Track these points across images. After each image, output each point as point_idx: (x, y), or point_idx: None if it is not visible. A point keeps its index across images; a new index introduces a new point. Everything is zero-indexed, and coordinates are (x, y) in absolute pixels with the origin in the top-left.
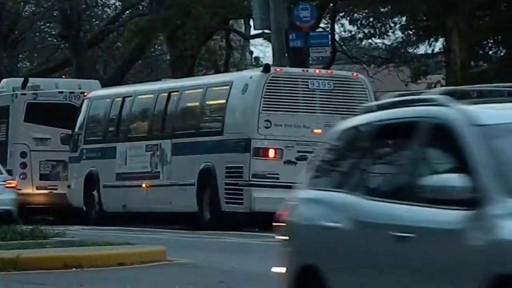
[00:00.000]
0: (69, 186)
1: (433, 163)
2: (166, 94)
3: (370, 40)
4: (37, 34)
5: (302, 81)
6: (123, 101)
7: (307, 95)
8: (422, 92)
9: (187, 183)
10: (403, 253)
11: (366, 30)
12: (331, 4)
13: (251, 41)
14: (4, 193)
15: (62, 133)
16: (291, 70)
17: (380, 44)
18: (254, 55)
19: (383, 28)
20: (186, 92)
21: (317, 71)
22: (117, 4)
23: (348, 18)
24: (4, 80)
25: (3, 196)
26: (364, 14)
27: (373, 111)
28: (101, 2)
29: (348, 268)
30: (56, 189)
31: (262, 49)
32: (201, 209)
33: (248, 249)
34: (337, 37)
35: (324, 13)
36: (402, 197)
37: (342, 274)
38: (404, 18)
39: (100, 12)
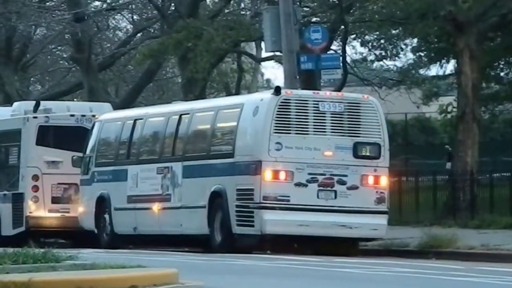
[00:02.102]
0: (80, 209)
1: None
2: (177, 117)
3: (381, 62)
4: (49, 57)
5: (313, 103)
6: (134, 123)
7: (318, 117)
8: None
9: (198, 206)
10: None
11: (377, 52)
12: (343, 26)
13: (263, 63)
14: None
15: (74, 156)
16: (302, 92)
17: (391, 66)
18: (265, 78)
19: (394, 50)
20: (197, 114)
21: (328, 93)
22: (128, 27)
23: (359, 40)
24: (15, 104)
25: None
26: (375, 36)
27: None
28: (112, 25)
29: None
30: (68, 212)
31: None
32: (212, 232)
33: (260, 271)
34: (348, 59)
35: (335, 35)
36: None
37: None
38: (415, 40)
39: (111, 35)
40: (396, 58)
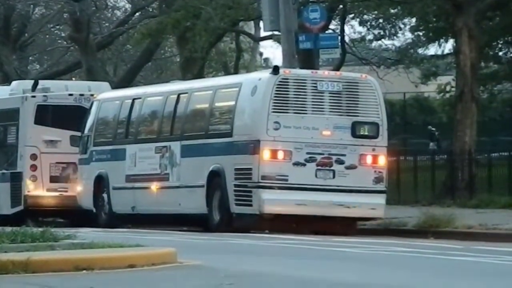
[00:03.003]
0: (78, 188)
1: None
2: (175, 96)
3: (380, 42)
4: (47, 36)
5: (311, 83)
6: (133, 103)
7: (316, 97)
8: None
9: (197, 185)
10: None
11: (376, 32)
12: (341, 6)
13: (261, 43)
14: None
15: (72, 135)
16: (300, 71)
17: (389, 46)
18: (263, 57)
19: (392, 29)
20: (196, 94)
21: (326, 72)
22: (126, 6)
23: (358, 19)
24: (14, 83)
25: None
26: (374, 15)
27: None
28: (110, 4)
29: None
30: (66, 191)
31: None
32: (210, 211)
33: (258, 251)
34: (346, 38)
35: (334, 14)
36: None
37: None
38: (413, 19)
39: (109, 15)
40: (395, 37)
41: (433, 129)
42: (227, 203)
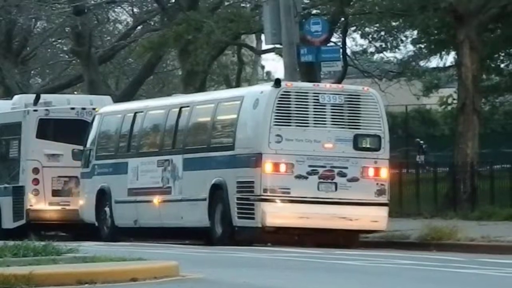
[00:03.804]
0: (81, 202)
1: None
2: (177, 109)
3: (381, 54)
4: (49, 50)
5: (313, 96)
6: (135, 116)
7: (318, 110)
8: None
9: (199, 198)
10: None
11: (377, 44)
12: (343, 18)
13: (263, 56)
14: None
15: (74, 149)
16: (302, 84)
17: (391, 58)
18: (265, 70)
19: (394, 42)
20: (198, 107)
21: (328, 85)
22: (128, 20)
23: (359, 32)
24: (16, 97)
25: None
26: (375, 28)
27: None
28: (112, 18)
29: None
30: (68, 205)
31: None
32: (212, 224)
33: (261, 264)
34: (348, 51)
35: (335, 27)
36: None
37: None
38: (415, 32)
39: (111, 28)
40: (396, 50)
41: (421, 141)
42: (229, 216)
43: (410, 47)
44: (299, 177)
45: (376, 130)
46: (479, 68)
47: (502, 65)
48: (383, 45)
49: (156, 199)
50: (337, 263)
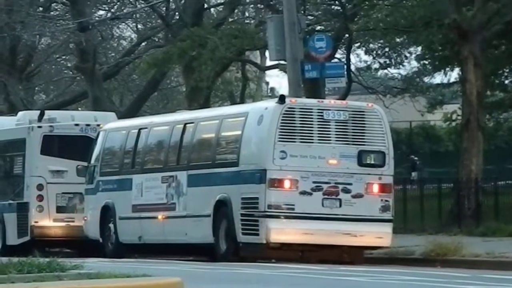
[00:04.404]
0: (85, 218)
1: None
2: (181, 126)
3: (385, 70)
4: (53, 66)
5: (318, 112)
6: (139, 133)
7: (322, 126)
8: None
9: (203, 215)
10: None
11: (381, 60)
12: (347, 35)
13: (267, 72)
14: None
15: (79, 165)
16: (306, 101)
17: (395, 74)
18: (270, 86)
19: (398, 58)
20: (202, 123)
21: (332, 101)
22: (132, 36)
23: (363, 48)
24: (20, 113)
25: None
26: (379, 44)
27: None
28: (116, 34)
29: None
30: (73, 221)
31: (278, 80)
32: (217, 240)
33: (265, 280)
34: (352, 67)
35: (339, 43)
36: None
37: None
38: (419, 48)
39: (115, 45)
40: (401, 66)
41: (416, 158)
42: (233, 232)
43: (414, 63)
44: (303, 193)
45: (380, 146)
46: (483, 84)
47: (506, 81)
48: (387, 61)
49: (161, 215)
50: (342, 279)
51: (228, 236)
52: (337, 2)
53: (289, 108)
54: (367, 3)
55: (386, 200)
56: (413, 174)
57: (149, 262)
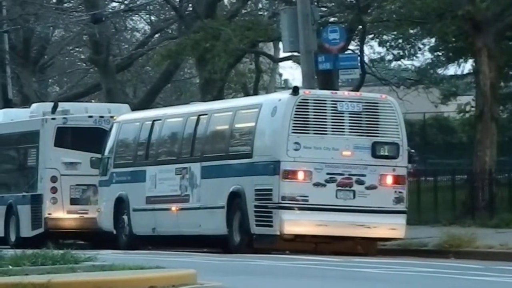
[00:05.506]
0: (99, 210)
1: None
2: (195, 118)
3: (399, 62)
4: (67, 58)
5: (331, 103)
6: (153, 124)
7: (336, 117)
8: None
9: (217, 206)
10: None
11: (395, 52)
12: (360, 26)
13: (280, 63)
14: None
15: (92, 157)
16: (320, 92)
17: (409, 66)
18: (283, 78)
19: (412, 49)
20: (215, 115)
21: (346, 93)
22: (146, 28)
23: (377, 40)
24: (34, 105)
25: None
26: (393, 36)
27: None
28: (130, 26)
29: None
30: (86, 213)
31: (291, 72)
32: (230, 232)
33: (279, 272)
34: (366, 59)
35: (353, 35)
36: None
37: None
38: (433, 40)
39: (129, 36)
40: (414, 57)
41: (412, 150)
42: (247, 224)
43: (428, 55)
44: (317, 184)
45: (394, 137)
46: (497, 75)
47: None
48: (401, 53)
49: (174, 207)
50: (355, 271)
51: (241, 228)
52: None
53: (302, 99)
54: None
55: (400, 192)
56: (409, 166)
57: (163, 254)
